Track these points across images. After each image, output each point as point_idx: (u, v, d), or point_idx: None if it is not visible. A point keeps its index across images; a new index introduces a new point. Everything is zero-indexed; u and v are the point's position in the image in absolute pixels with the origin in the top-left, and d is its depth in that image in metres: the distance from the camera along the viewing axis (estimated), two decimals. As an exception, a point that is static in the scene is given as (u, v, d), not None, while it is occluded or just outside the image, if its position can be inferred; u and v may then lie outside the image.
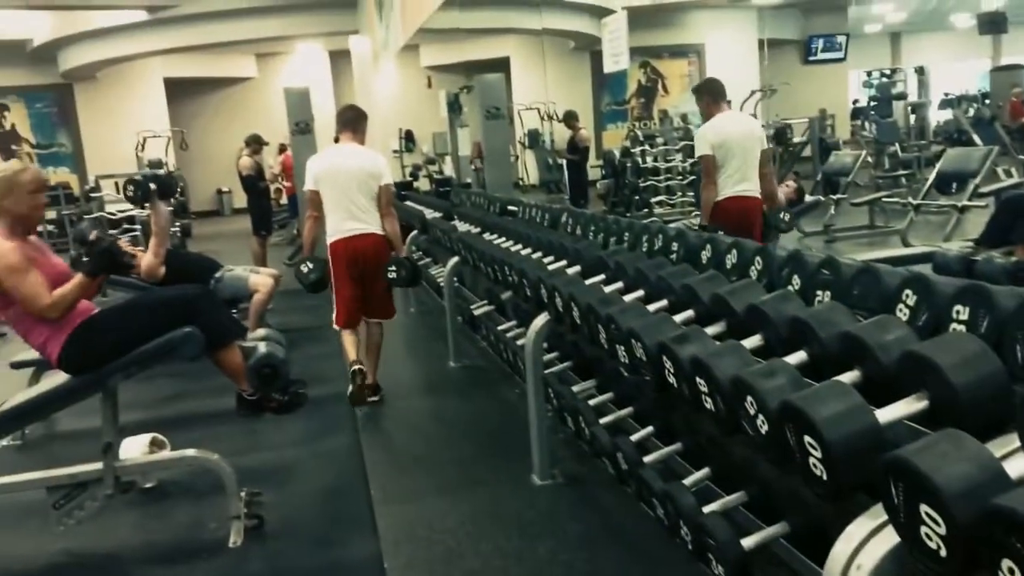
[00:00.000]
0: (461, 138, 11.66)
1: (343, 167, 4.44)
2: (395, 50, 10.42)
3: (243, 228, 14.80)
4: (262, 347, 3.08)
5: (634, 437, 2.68)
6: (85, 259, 2.97)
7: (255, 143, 9.14)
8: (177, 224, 8.67)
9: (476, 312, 5.00)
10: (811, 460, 1.47)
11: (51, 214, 14.28)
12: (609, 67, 4.79)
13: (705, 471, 2.32)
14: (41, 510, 2.98)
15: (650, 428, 2.73)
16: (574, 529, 2.88)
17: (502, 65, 16.15)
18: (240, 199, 18.40)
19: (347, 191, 4.39)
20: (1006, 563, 1.04)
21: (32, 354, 4.28)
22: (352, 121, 4.59)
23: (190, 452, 3.16)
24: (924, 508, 1.17)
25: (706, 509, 2.09)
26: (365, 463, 3.64)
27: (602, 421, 2.94)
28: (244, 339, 3.19)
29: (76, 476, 2.97)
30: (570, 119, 11.45)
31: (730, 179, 4.77)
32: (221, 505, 3.03)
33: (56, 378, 3.09)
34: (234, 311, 5.42)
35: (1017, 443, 1.30)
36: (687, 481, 2.28)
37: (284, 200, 12.27)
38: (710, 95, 4.98)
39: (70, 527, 2.95)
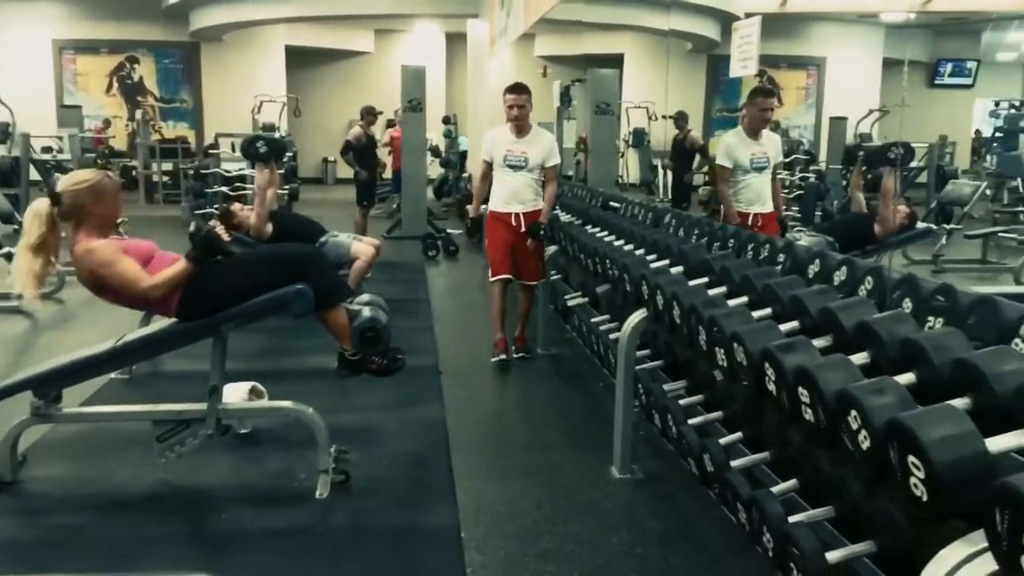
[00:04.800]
0: (566, 130, 11.68)
1: None
2: (513, 37, 10.50)
3: (345, 197, 15.16)
4: (367, 311, 3.19)
5: (723, 441, 2.69)
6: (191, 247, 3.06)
7: (369, 115, 9.35)
8: (286, 187, 8.94)
9: (570, 303, 5.04)
10: (912, 480, 1.47)
11: (167, 166, 14.94)
12: (736, 71, 4.75)
13: (792, 482, 2.31)
14: (144, 441, 3.16)
15: (739, 434, 2.72)
16: (650, 525, 2.89)
17: (615, 61, 16.07)
18: (344, 169, 18.92)
19: None
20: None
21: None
22: None
23: (287, 403, 3.28)
24: (1032, 539, 1.16)
25: (792, 519, 2.09)
26: (449, 436, 3.73)
27: (691, 422, 2.95)
28: (350, 301, 3.31)
29: (182, 413, 3.14)
30: (680, 120, 11.30)
31: None
32: (310, 457, 3.15)
33: (168, 320, 3.26)
34: (335, 276, 5.59)
35: None
36: (774, 490, 2.27)
37: (387, 174, 12.51)
38: None
39: (170, 460, 3.11)
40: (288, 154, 10.85)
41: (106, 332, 3.61)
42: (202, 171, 10.00)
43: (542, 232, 4.93)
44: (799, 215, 9.48)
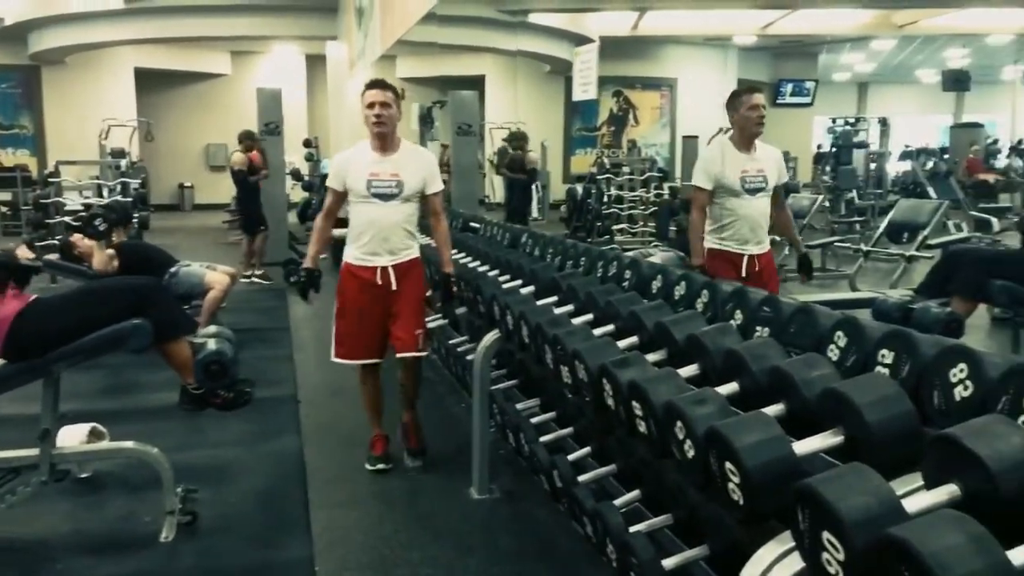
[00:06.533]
0: (431, 152, 11.71)
1: None
2: (372, 59, 10.46)
3: (203, 224, 14.69)
4: (211, 343, 3.10)
5: (571, 456, 2.74)
6: None
7: (248, 139, 9.11)
8: (135, 215, 8.59)
9: (430, 325, 5.02)
10: (730, 485, 1.54)
11: (6, 196, 14.07)
12: (578, 95, 4.91)
13: (636, 493, 2.38)
14: (-29, 493, 2.95)
15: (587, 448, 2.78)
16: (507, 543, 2.92)
17: (478, 83, 16.27)
18: (202, 195, 18.31)
19: None
20: (895, 590, 1.11)
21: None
22: None
23: (128, 444, 3.13)
24: (826, 535, 1.24)
25: (633, 529, 2.15)
26: (306, 467, 3.65)
27: (543, 439, 2.99)
28: (194, 334, 3.20)
29: (10, 461, 2.95)
30: (517, 140, 11.75)
31: None
32: (156, 499, 3.01)
33: (-2, 361, 3.06)
34: (187, 307, 5.40)
35: (920, 481, 1.37)
36: (617, 501, 2.34)
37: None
38: None
39: (0, 511, 2.92)
40: (137, 181, 10.45)
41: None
42: (42, 201, 9.45)
43: (455, 289, 3.74)
44: (654, 231, 9.83)
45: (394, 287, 3.53)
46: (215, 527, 3.04)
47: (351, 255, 3.57)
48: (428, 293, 3.82)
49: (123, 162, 12.00)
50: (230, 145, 18.02)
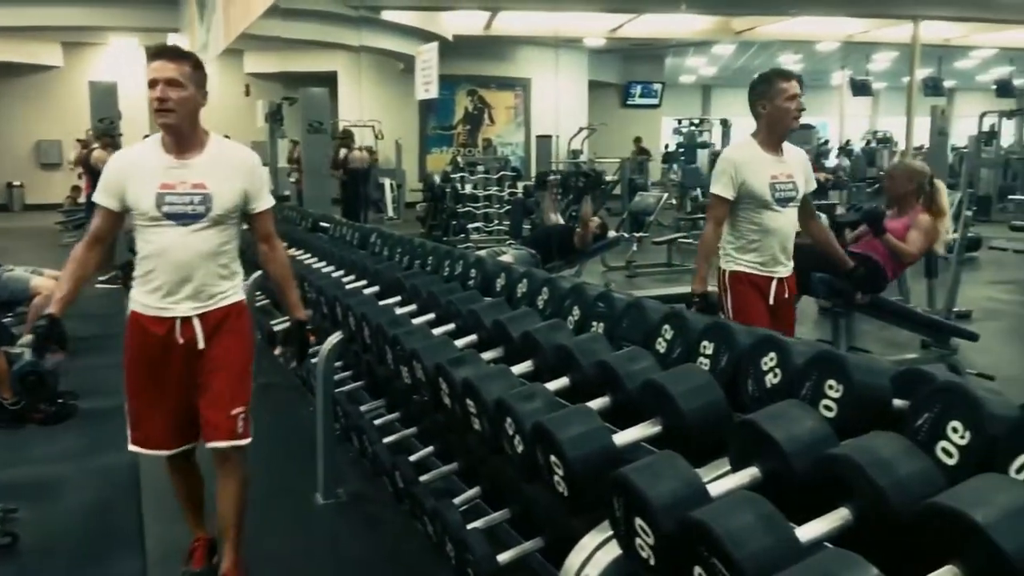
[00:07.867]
0: (281, 149, 11.47)
1: None
2: (215, 53, 10.09)
3: (34, 226, 13.77)
4: (28, 354, 2.90)
5: (413, 456, 2.74)
6: None
7: (107, 135, 8.58)
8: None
9: (276, 328, 4.89)
10: (556, 477, 1.57)
11: None
12: (420, 94, 4.92)
13: (475, 490, 2.41)
14: None
15: (431, 448, 2.79)
16: (353, 550, 2.88)
17: (330, 79, 15.97)
18: (34, 195, 17.14)
19: None
20: (697, 569, 1.16)
21: None
22: None
23: (-62, 464, 2.91)
24: (638, 521, 1.29)
25: (471, 526, 2.17)
26: (140, 480, 3.48)
27: (387, 440, 2.97)
28: (11, 344, 3.00)
29: None
30: (346, 138, 12.01)
31: None
32: (-29, 522, 2.81)
33: None
34: (11, 315, 5.05)
35: (728, 466, 1.45)
36: (457, 499, 2.35)
37: (82, 199, 11.52)
38: None
39: None
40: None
41: None
42: None
43: (312, 336, 2.86)
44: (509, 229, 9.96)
45: (201, 346, 2.49)
46: (37, 547, 2.86)
47: (139, 301, 2.53)
48: (278, 351, 3.14)
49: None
50: (64, 142, 17.09)
